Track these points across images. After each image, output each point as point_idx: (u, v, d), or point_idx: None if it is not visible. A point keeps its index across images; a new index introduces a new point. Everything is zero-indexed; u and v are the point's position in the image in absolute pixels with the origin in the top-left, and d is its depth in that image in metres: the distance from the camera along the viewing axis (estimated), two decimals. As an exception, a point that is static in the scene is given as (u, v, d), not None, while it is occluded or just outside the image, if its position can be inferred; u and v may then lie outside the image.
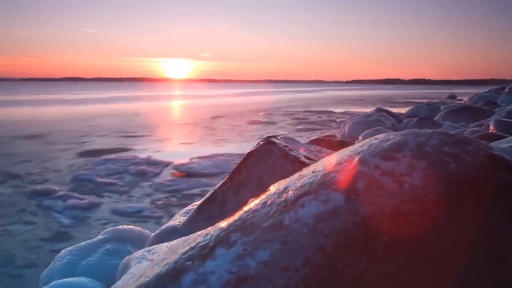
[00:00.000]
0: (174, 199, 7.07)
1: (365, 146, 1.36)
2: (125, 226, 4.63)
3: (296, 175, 1.39)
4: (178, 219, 3.00)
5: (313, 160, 2.69)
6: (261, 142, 2.74)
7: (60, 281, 3.57)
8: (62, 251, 4.33)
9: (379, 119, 13.47)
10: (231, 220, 1.23)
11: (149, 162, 9.54)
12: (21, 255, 5.14)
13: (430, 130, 1.36)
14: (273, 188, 1.39)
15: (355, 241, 1.05)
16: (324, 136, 7.19)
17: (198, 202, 3.43)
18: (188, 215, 2.94)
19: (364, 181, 1.15)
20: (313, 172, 1.32)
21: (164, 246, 2.11)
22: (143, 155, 10.40)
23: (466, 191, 1.13)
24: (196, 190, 7.39)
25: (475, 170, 1.16)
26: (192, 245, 1.18)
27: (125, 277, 1.85)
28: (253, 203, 1.28)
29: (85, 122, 19.52)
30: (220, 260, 1.06)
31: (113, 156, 10.51)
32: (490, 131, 8.48)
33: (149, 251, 2.09)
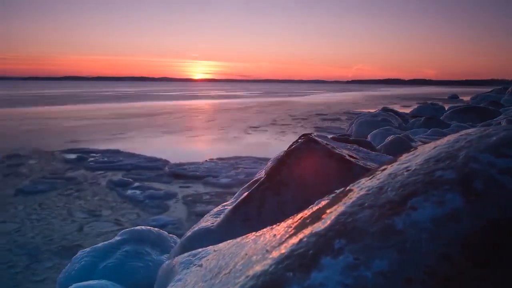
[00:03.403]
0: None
1: (461, 141, 1.23)
2: (143, 227, 4.48)
3: (385, 172, 1.26)
4: (210, 220, 2.86)
5: (357, 159, 2.56)
6: (300, 140, 2.61)
7: (81, 284, 3.42)
8: (79, 252, 4.17)
9: (386, 119, 13.37)
10: (326, 224, 1.09)
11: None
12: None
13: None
14: (358, 188, 1.25)
15: (485, 249, 0.92)
16: (339, 136, 7.04)
17: (228, 202, 3.29)
18: (221, 216, 2.80)
19: (481, 180, 1.02)
20: (407, 170, 1.19)
21: (211, 250, 1.97)
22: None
23: None
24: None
25: None
26: (285, 253, 1.04)
27: (175, 285, 1.72)
28: (346, 205, 1.14)
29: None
30: (329, 271, 0.92)
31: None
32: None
33: (195, 255, 1.96)
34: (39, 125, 17.76)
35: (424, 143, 7.96)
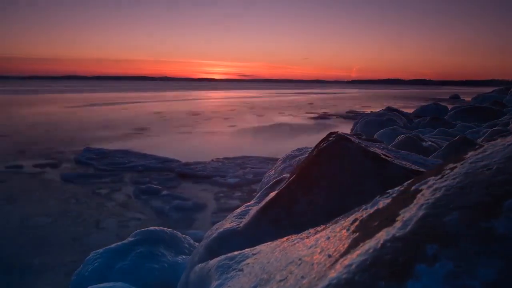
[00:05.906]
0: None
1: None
2: (156, 227, 4.37)
3: (458, 171, 1.16)
4: (235, 221, 2.76)
5: (392, 158, 2.47)
6: (331, 139, 2.51)
7: (96, 286, 3.31)
8: (92, 253, 4.06)
9: (392, 119, 13.29)
10: (408, 227, 0.99)
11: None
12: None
13: None
14: (430, 188, 1.16)
15: None
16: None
17: (251, 203, 3.19)
18: (246, 217, 2.70)
19: None
20: (488, 169, 1.10)
21: (249, 253, 1.87)
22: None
23: None
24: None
25: None
26: (368, 259, 0.95)
27: (218, 291, 1.62)
28: (425, 207, 1.05)
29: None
30: (427, 280, 0.83)
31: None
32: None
33: (232, 259, 1.86)
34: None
35: (435, 143, 7.74)
